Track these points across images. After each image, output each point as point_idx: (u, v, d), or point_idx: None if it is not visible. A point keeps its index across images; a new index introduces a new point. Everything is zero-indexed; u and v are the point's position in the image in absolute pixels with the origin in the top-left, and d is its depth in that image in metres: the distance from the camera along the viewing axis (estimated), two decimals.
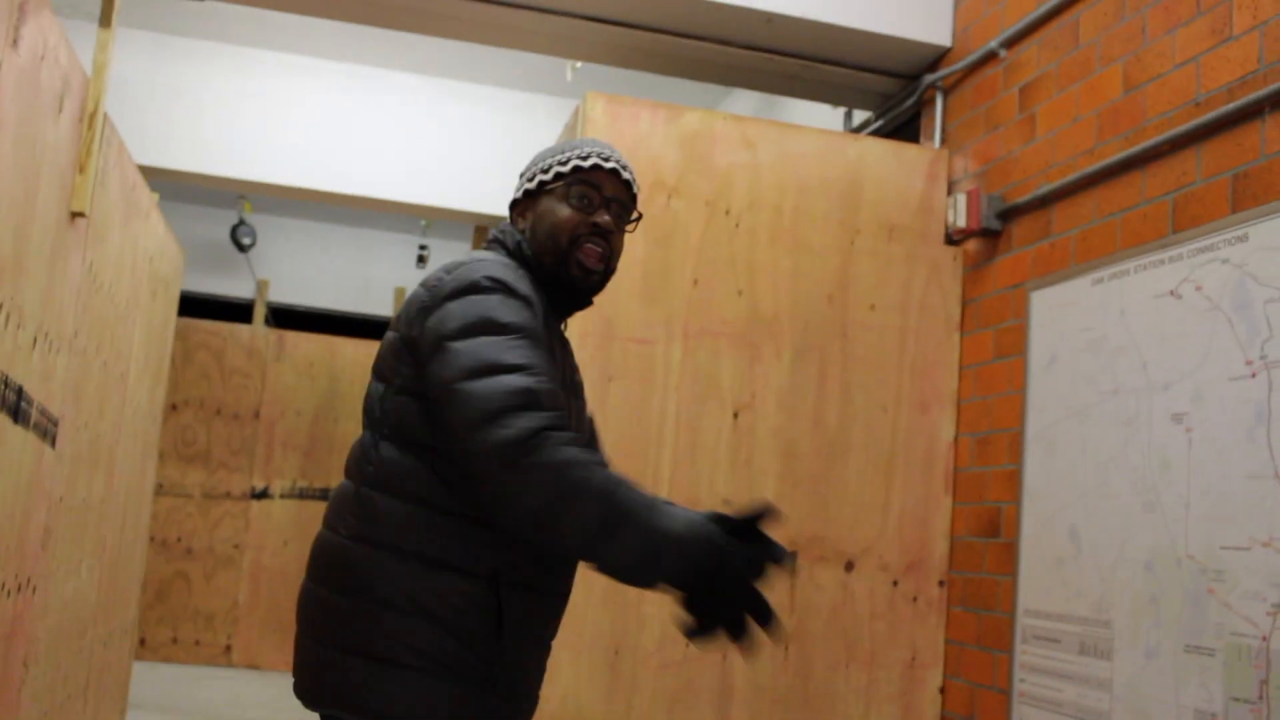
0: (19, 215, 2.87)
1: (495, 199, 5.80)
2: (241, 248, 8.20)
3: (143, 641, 7.92)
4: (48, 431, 3.37)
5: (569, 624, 3.21)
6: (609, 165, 1.86)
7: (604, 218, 1.84)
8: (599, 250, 1.84)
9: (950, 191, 3.68)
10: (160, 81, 5.62)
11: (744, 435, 3.41)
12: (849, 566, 3.45)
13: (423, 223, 8.13)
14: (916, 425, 3.55)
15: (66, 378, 3.52)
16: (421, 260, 8.24)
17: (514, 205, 1.94)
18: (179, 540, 8.08)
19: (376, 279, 8.63)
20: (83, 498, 3.97)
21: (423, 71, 5.92)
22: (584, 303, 1.91)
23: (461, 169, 5.76)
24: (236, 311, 8.60)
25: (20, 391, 3.03)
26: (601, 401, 3.31)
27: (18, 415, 3.03)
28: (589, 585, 3.27)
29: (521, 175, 1.94)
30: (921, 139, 4.00)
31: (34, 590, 3.31)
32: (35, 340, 3.11)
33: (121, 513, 4.86)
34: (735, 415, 3.40)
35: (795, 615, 3.39)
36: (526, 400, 1.60)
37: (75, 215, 3.40)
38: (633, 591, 3.29)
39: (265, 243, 8.46)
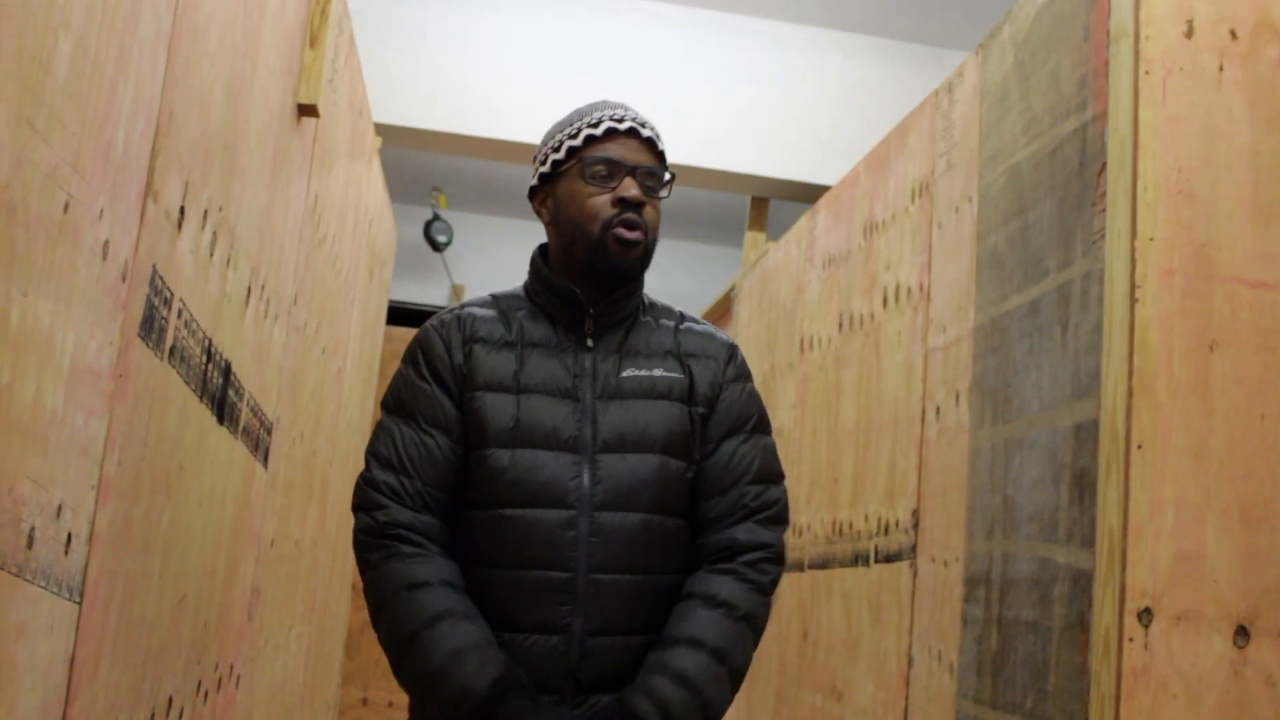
0: (230, 73, 1.72)
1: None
2: (436, 246, 7.12)
3: None
4: (260, 441, 2.20)
5: None
6: (624, 126, 1.72)
7: (632, 191, 1.69)
8: (635, 226, 1.70)
9: None
10: (391, 22, 4.53)
11: None
12: None
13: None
14: None
15: (284, 362, 2.38)
16: None
17: (532, 194, 1.81)
18: None
19: None
20: (295, 540, 2.83)
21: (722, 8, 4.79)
22: (622, 282, 1.75)
23: (799, 131, 4.70)
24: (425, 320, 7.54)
25: (228, 372, 1.87)
26: (1203, 379, 2.00)
27: (224, 411, 1.86)
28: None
29: (535, 157, 1.81)
30: None
31: (237, 682, 2.16)
32: (249, 293, 1.96)
33: (331, 558, 3.72)
34: None
35: None
36: (361, 497, 1.71)
37: (303, 111, 2.27)
38: None
39: (462, 243, 7.38)
